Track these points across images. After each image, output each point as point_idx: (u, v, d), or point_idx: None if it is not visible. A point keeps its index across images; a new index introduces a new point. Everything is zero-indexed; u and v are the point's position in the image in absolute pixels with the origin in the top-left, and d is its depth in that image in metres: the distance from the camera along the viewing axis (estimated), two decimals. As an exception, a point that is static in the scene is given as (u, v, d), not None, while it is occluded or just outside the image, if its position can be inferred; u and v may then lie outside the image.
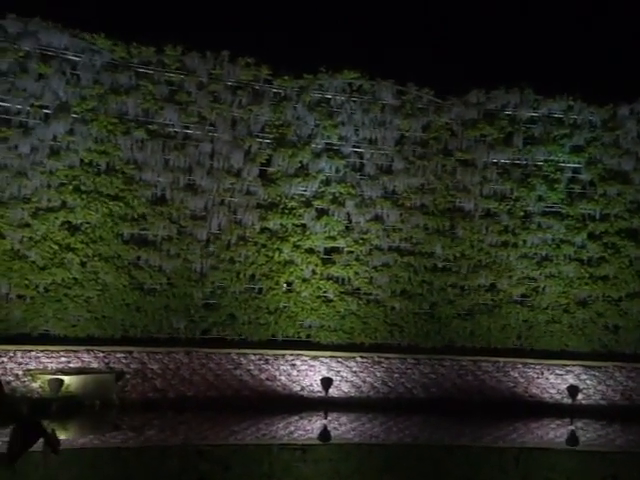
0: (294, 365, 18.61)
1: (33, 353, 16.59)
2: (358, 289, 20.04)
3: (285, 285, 19.56)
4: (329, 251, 19.98)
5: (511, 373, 19.41)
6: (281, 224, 19.66)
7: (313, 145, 19.98)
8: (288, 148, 19.74)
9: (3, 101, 17.41)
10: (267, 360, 18.49)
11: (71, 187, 17.88)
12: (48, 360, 16.70)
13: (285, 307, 19.57)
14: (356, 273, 19.95)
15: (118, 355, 17.42)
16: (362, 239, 20.08)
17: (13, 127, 17.43)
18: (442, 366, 19.29)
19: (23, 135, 17.44)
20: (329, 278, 19.85)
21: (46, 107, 17.78)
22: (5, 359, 16.17)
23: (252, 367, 18.36)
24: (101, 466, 12.28)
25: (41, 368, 16.51)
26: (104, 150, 18.25)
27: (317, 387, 18.45)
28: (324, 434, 16.27)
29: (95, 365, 17.17)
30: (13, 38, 17.46)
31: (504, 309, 20.46)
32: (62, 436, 11.08)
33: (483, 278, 20.40)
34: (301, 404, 18.02)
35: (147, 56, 18.80)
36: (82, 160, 18.07)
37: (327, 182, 20.04)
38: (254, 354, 18.48)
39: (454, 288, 20.41)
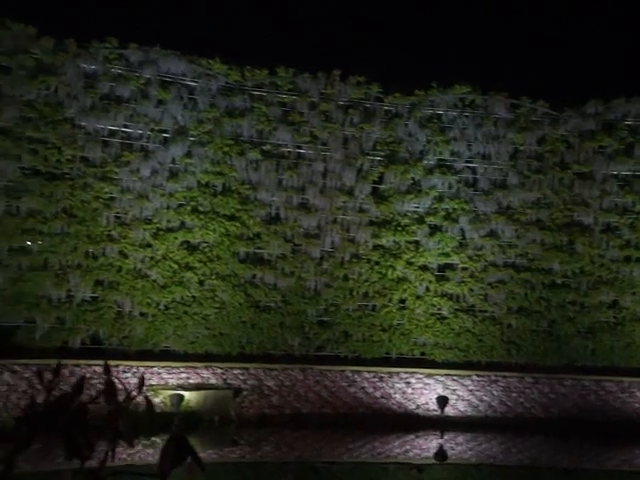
0: (409, 383, 18.46)
1: (155, 369, 17.12)
2: (473, 306, 19.72)
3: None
4: (443, 268, 19.77)
5: (637, 394, 18.60)
6: (394, 241, 19.62)
7: (425, 161, 19.88)
8: (400, 165, 19.72)
9: (126, 127, 18.21)
10: (381, 378, 18.42)
11: (189, 208, 18.46)
12: (169, 376, 17.19)
13: (399, 324, 19.48)
14: (471, 290, 19.65)
15: (235, 371, 17.76)
16: (477, 255, 19.78)
17: (135, 151, 18.17)
18: (562, 385, 18.70)
19: (144, 159, 18.15)
20: (443, 295, 19.64)
21: (165, 131, 18.46)
22: (129, 374, 16.74)
23: (367, 385, 18.33)
24: (219, 480, 12.50)
25: (162, 384, 17.01)
26: (220, 171, 18.75)
27: (432, 405, 18.23)
28: (440, 453, 16.01)
29: (214, 381, 17.56)
30: (135, 66, 18.25)
31: (628, 327, 19.66)
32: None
33: (604, 295, 19.67)
34: (416, 422, 17.83)
35: (260, 79, 19.25)
36: (199, 181, 18.63)
37: (440, 198, 19.87)
38: (368, 372, 18.44)
39: (573, 305, 19.78)
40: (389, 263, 19.50)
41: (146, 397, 3.18)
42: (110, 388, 2.93)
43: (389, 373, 18.49)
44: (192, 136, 18.59)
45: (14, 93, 17.06)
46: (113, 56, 18.13)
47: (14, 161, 17.03)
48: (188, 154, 18.55)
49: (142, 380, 3.11)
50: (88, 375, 16.18)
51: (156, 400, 16.54)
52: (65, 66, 17.52)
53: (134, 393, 2.99)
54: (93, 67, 17.94)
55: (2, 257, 16.83)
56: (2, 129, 16.99)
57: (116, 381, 2.94)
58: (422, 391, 18.43)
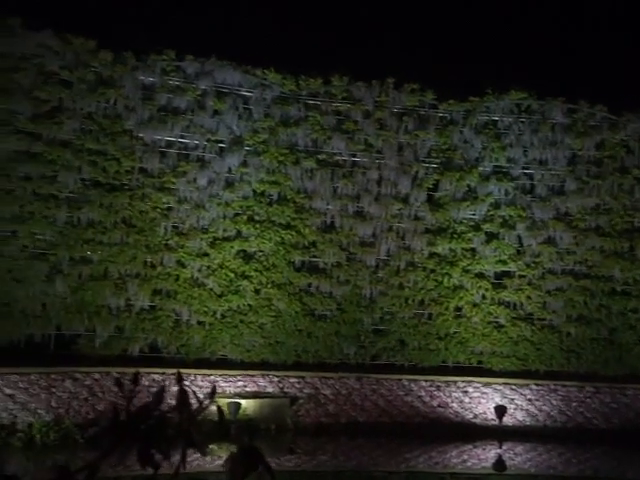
0: (466, 392, 18.28)
1: (212, 377, 17.26)
2: (531, 314, 19.45)
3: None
4: (500, 275, 19.56)
5: (702, 403, 18.14)
6: (450, 249, 19.48)
7: (481, 168, 19.71)
8: (455, 172, 19.59)
9: (182, 137, 18.45)
10: (438, 387, 18.27)
11: (245, 217, 18.59)
12: (226, 384, 17.31)
13: (455, 333, 19.31)
14: (528, 297, 19.39)
15: (292, 380, 17.80)
16: (534, 262, 19.52)
17: (191, 161, 18.40)
18: (624, 395, 18.31)
19: (200, 169, 18.35)
20: (500, 303, 19.41)
21: (221, 141, 18.66)
22: (187, 382, 16.89)
23: (423, 393, 18.20)
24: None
25: (219, 392, 17.11)
26: (275, 180, 18.86)
27: (490, 415, 18.01)
28: (499, 464, 15.82)
29: (270, 389, 17.63)
30: (191, 78, 18.50)
31: (691, 335, 19.18)
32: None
33: (667, 302, 19.25)
34: (474, 432, 17.62)
35: (315, 88, 19.33)
36: (255, 191, 18.77)
37: (496, 205, 19.68)
38: (425, 380, 18.31)
39: (635, 313, 19.36)
40: (445, 271, 19.36)
41: (218, 407, 3.21)
42: (183, 397, 2.96)
43: (446, 382, 18.33)
44: (247, 146, 18.74)
45: (75, 106, 17.44)
46: (170, 68, 18.40)
47: (75, 173, 17.37)
48: (244, 163, 18.71)
49: (214, 389, 3.13)
50: (147, 383, 16.40)
51: (213, 408, 16.62)
52: (124, 79, 17.85)
53: (206, 402, 3.01)
54: (151, 79, 18.24)
55: (63, 267, 17.17)
56: (63, 141, 17.36)
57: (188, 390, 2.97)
58: (480, 400, 18.23)
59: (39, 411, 15.29)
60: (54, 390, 15.72)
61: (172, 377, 16.17)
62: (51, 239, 17.12)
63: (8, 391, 15.07)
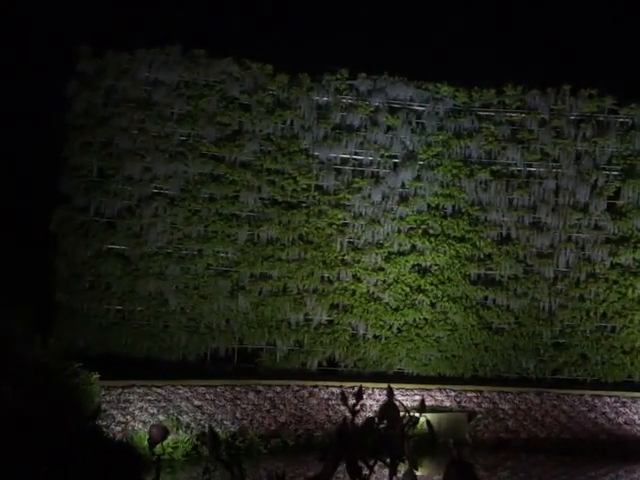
0: (654, 408, 17.47)
1: (415, 415, 17.34)
2: None
3: None
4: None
5: None
6: (634, 259, 18.64)
7: (666, 173, 18.76)
8: (638, 179, 18.74)
9: (357, 154, 18.78)
10: (624, 403, 17.54)
11: (420, 231, 18.64)
12: (403, 397, 17.38)
13: (642, 347, 18.48)
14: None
15: (469, 394, 17.66)
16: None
17: (366, 177, 18.68)
18: None
19: (375, 184, 18.60)
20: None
21: (395, 156, 18.82)
22: (364, 396, 17.15)
23: (608, 410, 17.53)
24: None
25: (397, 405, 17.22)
26: (449, 193, 18.79)
27: (681, 433, 17.13)
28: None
29: (447, 404, 17.57)
30: (364, 95, 18.79)
31: None
32: (419, 472, 11.46)
33: None
34: (663, 451, 16.82)
35: (488, 98, 19.09)
36: (429, 205, 18.78)
37: (673, 212, 18.68)
38: (609, 396, 17.63)
39: None
40: (629, 282, 18.55)
41: (428, 421, 3.32)
42: (393, 411, 3.10)
43: (632, 398, 17.58)
44: (421, 160, 18.79)
45: (254, 129, 18.20)
46: (343, 87, 18.78)
47: (255, 192, 18.12)
48: (417, 178, 18.78)
49: (423, 402, 3.28)
50: (326, 396, 16.84)
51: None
52: (299, 100, 18.42)
53: (417, 415, 3.14)
54: (325, 99, 18.70)
55: (245, 283, 17.94)
56: (244, 163, 18.17)
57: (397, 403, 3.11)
58: (669, 417, 17.37)
59: (225, 422, 16.03)
60: (238, 402, 16.42)
61: (351, 390, 16.46)
62: (233, 257, 17.94)
63: (197, 402, 15.90)
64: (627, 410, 17.48)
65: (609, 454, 16.59)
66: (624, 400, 17.56)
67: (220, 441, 3.12)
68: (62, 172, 17.20)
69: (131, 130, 17.61)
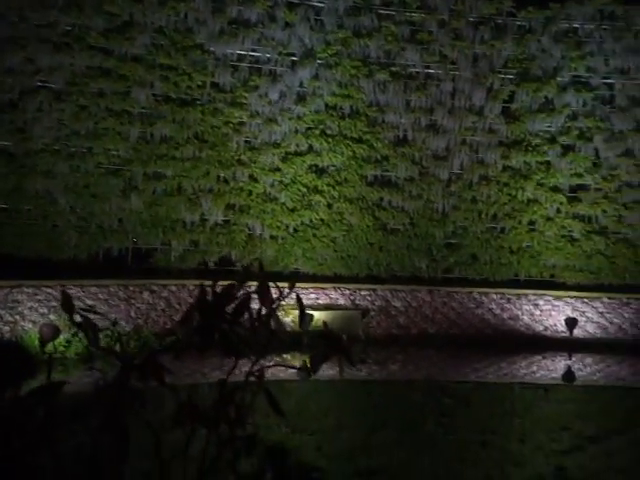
0: (537, 305, 18.31)
1: (285, 290, 17.54)
2: (606, 228, 19.10)
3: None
4: (575, 189, 19.19)
5: None
6: (524, 162, 19.12)
7: (559, 78, 19.06)
8: (532, 83, 19.02)
9: (254, 51, 18.27)
10: (509, 299, 18.34)
11: (317, 131, 18.50)
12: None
13: (528, 246, 19.15)
14: (604, 211, 19.01)
15: (363, 293, 18.06)
16: (611, 175, 19.05)
17: (263, 75, 18.26)
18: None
19: (272, 82, 18.21)
20: (575, 217, 19.10)
21: (292, 54, 18.41)
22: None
23: (494, 306, 18.30)
24: (349, 396, 12.89)
25: (292, 304, 17.42)
26: (348, 94, 18.60)
27: (561, 327, 18.07)
28: (568, 375, 15.84)
29: (342, 302, 17.94)
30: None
31: None
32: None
33: None
34: (544, 344, 17.70)
35: (386, -3, 18.82)
36: (327, 104, 18.58)
37: (574, 117, 19.12)
38: (496, 293, 18.39)
39: None
40: (519, 185, 19.07)
41: (297, 296, 3.39)
42: (264, 287, 3.13)
43: (517, 295, 18.39)
44: (319, 58, 18.46)
45: (145, 20, 17.37)
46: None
47: (147, 88, 17.46)
48: (316, 77, 18.48)
49: (293, 283, 3.33)
50: (222, 295, 16.84)
51: (286, 319, 17.04)
52: (192, -8, 17.64)
53: (286, 292, 3.19)
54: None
55: (138, 182, 17.47)
56: (135, 57, 17.40)
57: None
58: (550, 313, 18.29)
59: (119, 321, 15.88)
60: (133, 301, 16.30)
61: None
62: (125, 155, 17.36)
63: (89, 302, 15.63)
64: (512, 306, 18.27)
65: (494, 347, 17.36)
66: (509, 297, 18.35)
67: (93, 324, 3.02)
68: None
69: (10, 17, 16.43)
